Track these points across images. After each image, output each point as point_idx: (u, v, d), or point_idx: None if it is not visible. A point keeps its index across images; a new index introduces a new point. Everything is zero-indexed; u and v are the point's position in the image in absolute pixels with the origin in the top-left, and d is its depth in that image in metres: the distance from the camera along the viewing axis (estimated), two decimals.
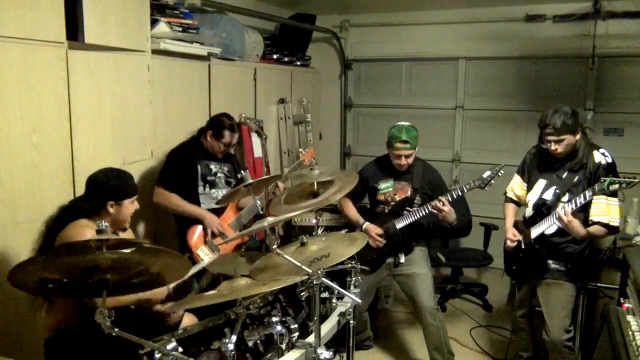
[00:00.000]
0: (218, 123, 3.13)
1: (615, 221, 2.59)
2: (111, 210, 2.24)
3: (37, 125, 2.40)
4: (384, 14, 5.31)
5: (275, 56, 4.71)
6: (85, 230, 2.14)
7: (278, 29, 5.02)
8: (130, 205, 2.30)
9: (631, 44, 4.41)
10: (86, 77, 2.66)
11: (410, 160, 3.08)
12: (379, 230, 3.11)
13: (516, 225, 2.94)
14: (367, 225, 3.15)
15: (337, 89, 5.74)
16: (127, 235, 2.43)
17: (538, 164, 2.86)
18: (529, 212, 2.88)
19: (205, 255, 3.06)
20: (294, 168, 3.38)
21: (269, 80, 4.45)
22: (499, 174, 2.89)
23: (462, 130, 5.26)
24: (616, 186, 2.42)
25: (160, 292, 2.23)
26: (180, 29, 3.27)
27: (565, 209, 2.55)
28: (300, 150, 3.45)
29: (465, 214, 4.31)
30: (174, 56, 3.30)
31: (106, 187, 2.24)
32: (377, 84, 5.58)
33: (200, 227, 3.09)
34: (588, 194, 2.51)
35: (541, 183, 2.82)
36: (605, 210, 2.59)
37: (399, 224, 3.08)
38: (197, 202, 3.11)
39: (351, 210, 3.30)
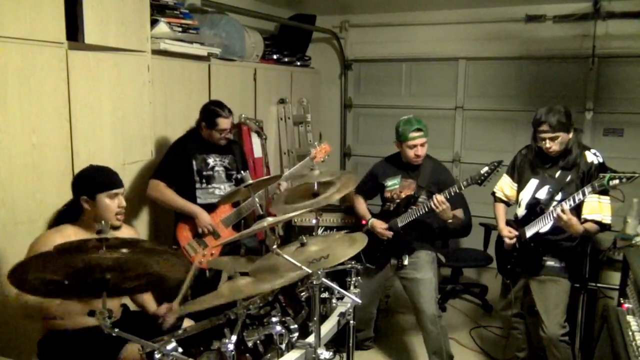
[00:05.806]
0: (209, 112, 3.06)
1: (607, 219, 2.63)
2: (86, 205, 2.14)
3: (37, 125, 2.41)
4: (384, 14, 5.30)
5: (275, 56, 4.71)
6: (55, 237, 2.02)
7: (278, 29, 5.02)
8: (109, 201, 2.15)
9: (631, 44, 4.41)
10: (86, 77, 2.67)
11: (425, 149, 3.09)
12: (385, 225, 3.11)
13: (508, 224, 2.95)
14: (372, 220, 3.17)
15: (337, 89, 5.74)
16: (125, 234, 2.37)
17: (529, 164, 2.87)
18: (521, 211, 2.88)
19: (192, 250, 3.06)
20: (304, 165, 3.28)
21: (269, 80, 4.45)
22: (498, 170, 2.89)
23: (462, 131, 5.26)
24: (616, 181, 2.40)
25: None
26: (180, 29, 3.27)
27: (563, 207, 2.54)
28: (315, 143, 3.24)
29: (464, 214, 4.29)
30: (174, 56, 3.30)
31: (77, 181, 2.21)
32: (377, 84, 5.58)
33: (191, 223, 3.07)
34: (587, 190, 2.50)
35: (533, 183, 2.83)
36: (598, 208, 2.63)
37: (401, 222, 3.07)
38: (193, 197, 3.07)
39: (361, 206, 3.33)
